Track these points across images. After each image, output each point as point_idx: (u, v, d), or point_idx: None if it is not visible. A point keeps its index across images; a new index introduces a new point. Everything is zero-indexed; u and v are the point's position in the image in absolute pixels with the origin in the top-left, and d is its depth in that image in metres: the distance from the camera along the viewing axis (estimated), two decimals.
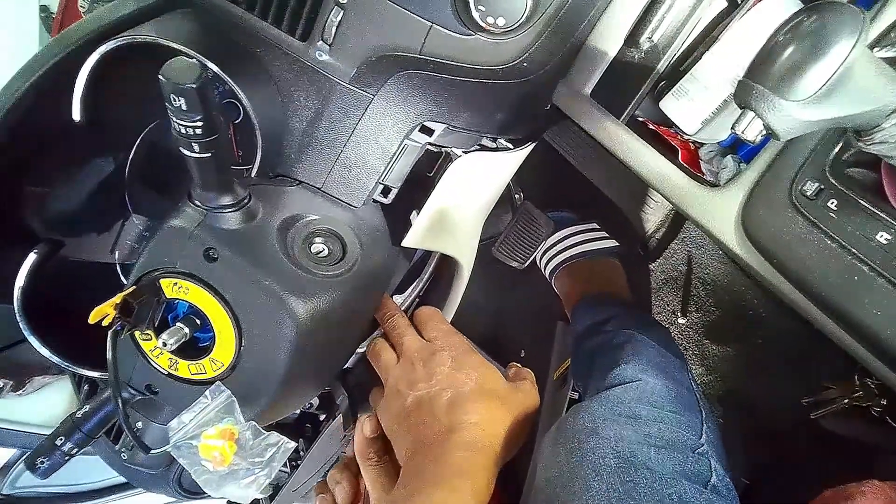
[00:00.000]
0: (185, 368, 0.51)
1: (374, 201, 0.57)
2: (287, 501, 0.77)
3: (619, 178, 0.95)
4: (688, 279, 1.01)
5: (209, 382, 0.50)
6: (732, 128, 0.37)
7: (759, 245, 0.48)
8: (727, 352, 1.00)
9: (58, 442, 0.51)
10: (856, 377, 0.79)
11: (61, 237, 0.59)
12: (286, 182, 0.55)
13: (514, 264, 0.87)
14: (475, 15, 0.45)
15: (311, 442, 0.69)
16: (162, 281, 0.49)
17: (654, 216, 0.99)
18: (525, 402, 0.57)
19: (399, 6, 0.46)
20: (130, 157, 0.60)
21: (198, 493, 0.72)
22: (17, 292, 0.56)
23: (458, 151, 0.58)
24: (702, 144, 0.55)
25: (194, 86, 0.38)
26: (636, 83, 0.53)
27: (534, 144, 0.65)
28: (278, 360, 0.48)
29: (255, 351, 0.49)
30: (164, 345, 0.47)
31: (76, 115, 0.52)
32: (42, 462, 0.51)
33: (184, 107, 0.39)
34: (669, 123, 0.53)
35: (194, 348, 0.51)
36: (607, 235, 1.04)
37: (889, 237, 0.41)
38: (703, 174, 0.54)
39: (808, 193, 0.44)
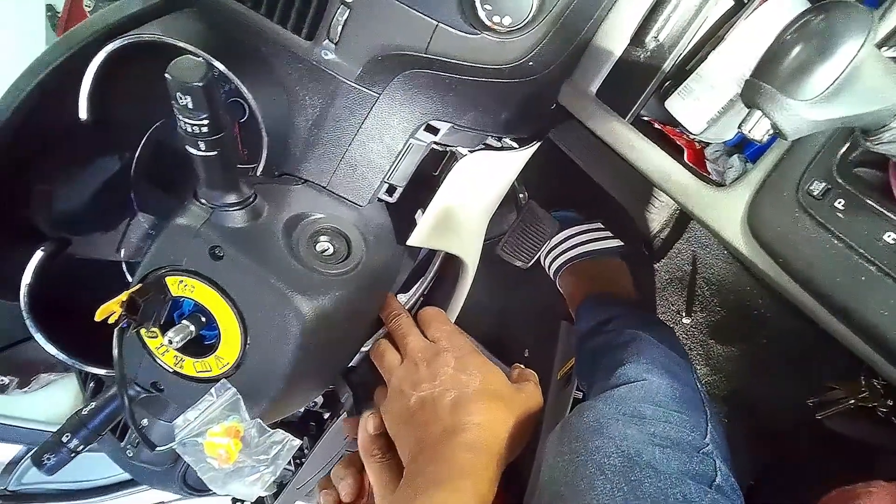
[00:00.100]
0: (191, 366, 0.51)
1: (379, 200, 0.57)
2: (291, 499, 0.77)
3: (624, 177, 0.94)
4: (692, 279, 1.01)
5: (214, 380, 0.51)
6: (739, 127, 0.37)
7: (765, 245, 0.48)
8: (732, 352, 1.00)
9: (64, 439, 0.52)
10: (862, 377, 0.79)
11: (67, 235, 0.59)
12: (291, 181, 0.55)
13: (519, 264, 0.87)
14: (481, 14, 0.45)
15: (315, 440, 0.69)
16: (168, 279, 0.49)
17: (658, 216, 0.99)
18: (528, 403, 0.57)
19: (405, 5, 0.46)
20: (136, 156, 0.61)
21: (203, 490, 0.73)
22: (23, 290, 0.56)
23: (464, 150, 0.58)
24: (707, 144, 0.55)
25: (200, 84, 0.38)
26: (642, 82, 0.53)
27: (539, 144, 0.65)
28: (283, 358, 0.48)
29: (260, 349, 0.49)
30: (170, 342, 0.48)
31: (83, 113, 0.52)
32: (48, 459, 0.51)
33: (190, 105, 0.39)
34: (675, 123, 0.53)
35: (200, 346, 0.51)
36: (612, 235, 1.03)
37: None
38: (709, 174, 0.53)
39: (815, 193, 0.44)
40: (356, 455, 0.62)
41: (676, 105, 0.51)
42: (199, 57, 0.48)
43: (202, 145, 0.41)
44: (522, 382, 0.59)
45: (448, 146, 0.58)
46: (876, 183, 0.44)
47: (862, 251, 0.42)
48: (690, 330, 1.03)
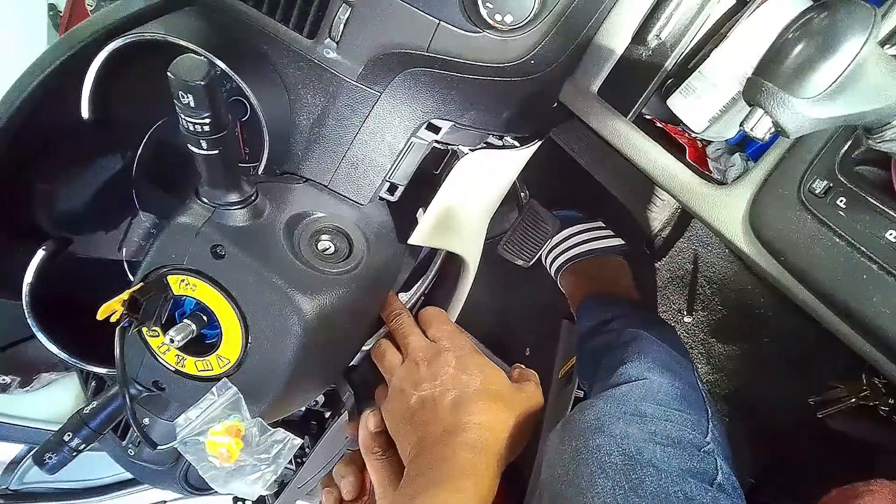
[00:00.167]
0: (192, 365, 0.51)
1: (381, 199, 0.57)
2: (292, 498, 0.77)
3: (625, 176, 0.94)
4: (694, 278, 1.01)
5: (216, 379, 0.51)
6: (741, 125, 0.37)
7: (766, 243, 0.48)
8: (733, 350, 1.00)
9: (65, 438, 0.52)
10: (863, 376, 0.78)
11: (69, 234, 0.59)
12: (293, 179, 0.55)
13: (520, 263, 0.87)
14: (483, 12, 0.45)
15: (316, 439, 0.69)
16: (169, 278, 0.49)
17: (660, 215, 0.99)
18: (529, 403, 0.57)
19: (407, 4, 0.46)
20: (138, 155, 0.61)
21: (204, 489, 0.73)
22: (25, 289, 0.56)
23: (465, 149, 0.58)
24: (709, 142, 0.55)
25: (202, 83, 0.38)
26: (644, 81, 0.53)
27: (540, 142, 0.64)
28: (284, 357, 0.48)
29: (261, 348, 0.49)
30: (172, 341, 0.48)
31: (85, 112, 0.52)
32: (50, 458, 0.51)
33: (192, 104, 0.39)
34: (677, 121, 0.53)
35: (201, 345, 0.51)
36: (613, 234, 1.03)
37: None
38: (711, 172, 0.53)
39: (817, 191, 0.44)
40: (357, 453, 0.62)
41: (678, 103, 0.51)
42: (200, 56, 0.48)
43: (204, 144, 0.41)
44: (523, 382, 0.59)
45: (449, 145, 0.58)
46: (878, 181, 0.44)
47: (864, 249, 0.42)
48: (692, 329, 1.03)
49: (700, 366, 1.03)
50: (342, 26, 0.48)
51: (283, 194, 0.52)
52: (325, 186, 0.55)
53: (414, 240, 0.56)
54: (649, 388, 0.60)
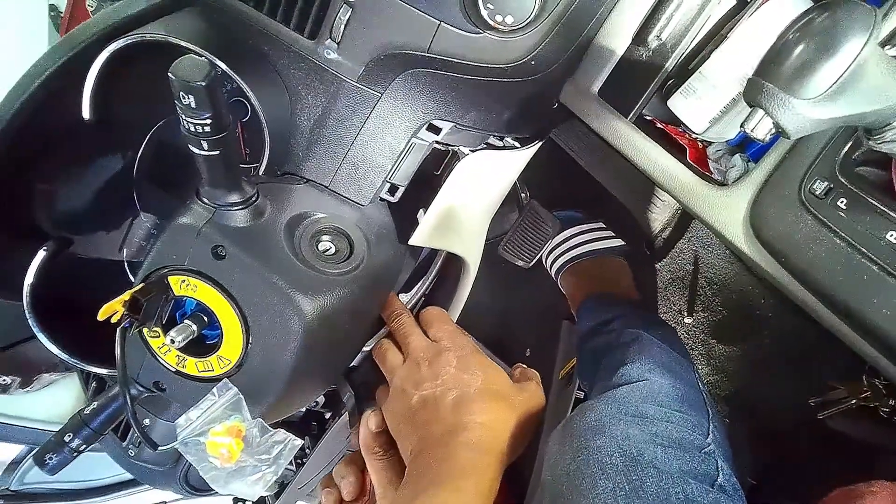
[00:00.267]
0: (193, 366, 0.51)
1: (382, 200, 0.57)
2: (293, 499, 0.77)
3: (626, 177, 0.94)
4: (694, 279, 1.01)
5: (216, 380, 0.51)
6: (742, 126, 0.37)
7: (767, 244, 0.48)
8: (733, 351, 1.00)
9: (66, 438, 0.52)
10: (864, 377, 0.78)
11: (70, 235, 0.59)
12: (293, 180, 0.55)
13: (520, 263, 0.87)
14: (483, 13, 0.45)
15: (316, 440, 0.69)
16: (170, 278, 0.49)
17: (660, 215, 0.99)
18: (530, 403, 0.57)
19: (407, 4, 0.46)
20: (139, 156, 0.61)
21: (205, 489, 0.73)
22: (26, 289, 0.56)
23: (466, 150, 0.58)
24: (710, 143, 0.55)
25: (203, 84, 0.38)
26: (644, 82, 0.53)
27: (541, 143, 0.64)
28: (285, 358, 0.48)
29: (262, 348, 0.49)
30: (172, 342, 0.48)
31: (86, 113, 0.52)
32: (50, 458, 0.51)
33: (193, 104, 0.39)
34: (677, 122, 0.53)
35: (202, 346, 0.51)
36: (613, 234, 1.03)
37: None
38: (711, 173, 0.53)
39: (818, 192, 0.44)
40: (358, 454, 0.62)
41: (679, 104, 0.51)
42: (201, 56, 0.48)
43: (205, 144, 0.41)
44: (525, 382, 0.59)
45: (450, 145, 0.58)
46: (878, 182, 0.44)
47: (864, 250, 0.42)
48: (692, 329, 1.03)
49: (700, 367, 1.03)
50: (343, 27, 0.48)
51: (283, 195, 0.52)
52: (326, 187, 0.55)
53: (415, 240, 0.56)
54: (650, 389, 0.60)
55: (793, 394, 0.88)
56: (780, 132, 0.36)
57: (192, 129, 0.40)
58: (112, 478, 0.98)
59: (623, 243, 1.03)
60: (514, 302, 1.20)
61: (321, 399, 0.73)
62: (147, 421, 0.62)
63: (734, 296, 0.97)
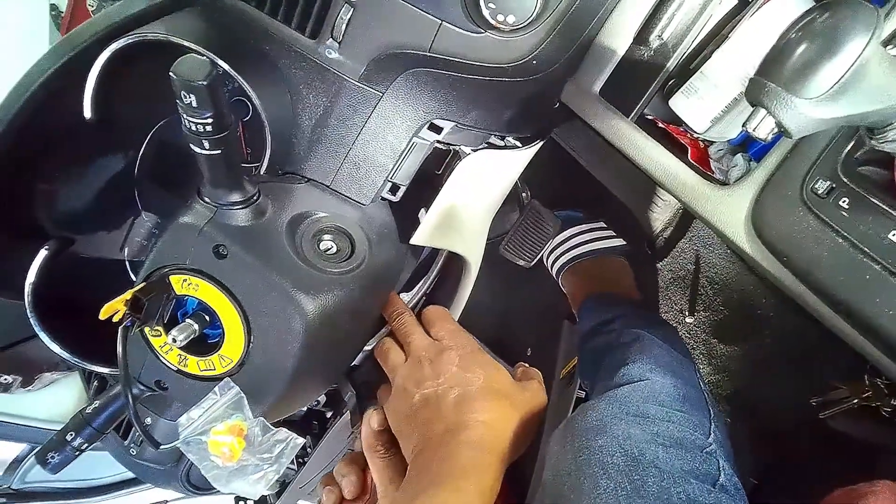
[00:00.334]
0: (195, 365, 0.51)
1: (383, 199, 0.57)
2: (294, 498, 0.77)
3: (627, 176, 0.94)
4: (695, 278, 1.01)
5: (218, 379, 0.51)
6: (744, 125, 0.37)
7: (769, 243, 0.48)
8: (735, 351, 1.00)
9: (68, 437, 0.52)
10: (865, 377, 0.78)
11: (72, 234, 0.59)
12: (295, 179, 0.55)
13: (521, 263, 0.87)
14: (485, 13, 0.45)
15: (318, 439, 0.69)
16: (172, 277, 0.49)
17: (661, 215, 0.99)
18: (532, 402, 0.57)
19: (409, 4, 0.46)
20: (140, 155, 0.61)
21: (206, 488, 0.73)
22: (27, 288, 0.56)
23: (467, 149, 0.58)
24: (711, 143, 0.55)
25: (205, 83, 0.38)
26: (645, 81, 0.53)
27: (542, 143, 0.64)
28: (287, 357, 0.48)
29: (263, 347, 0.49)
30: (174, 341, 0.48)
31: (87, 112, 0.52)
32: (52, 457, 0.51)
33: (194, 104, 0.39)
34: (679, 122, 0.53)
35: (204, 345, 0.51)
36: (614, 234, 1.03)
37: None
38: (713, 172, 0.53)
39: (820, 192, 0.44)
40: (359, 453, 0.62)
41: (680, 104, 0.51)
42: (203, 56, 0.48)
43: (206, 144, 0.42)
44: (526, 381, 0.59)
45: (451, 145, 0.58)
46: (881, 181, 0.44)
47: (866, 250, 0.42)
48: (693, 329, 1.03)
49: (702, 366, 1.03)
50: (344, 26, 0.48)
51: (285, 194, 0.52)
52: (328, 186, 0.55)
53: (416, 240, 0.56)
54: (651, 388, 0.60)
55: (794, 393, 0.88)
56: (782, 132, 0.36)
57: (194, 128, 0.40)
58: (114, 476, 0.98)
59: (624, 243, 1.03)
60: (514, 301, 1.20)
61: (322, 398, 0.73)
62: (149, 420, 0.62)
63: (735, 295, 0.97)
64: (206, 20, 0.52)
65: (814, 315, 0.49)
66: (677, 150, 0.54)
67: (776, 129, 0.36)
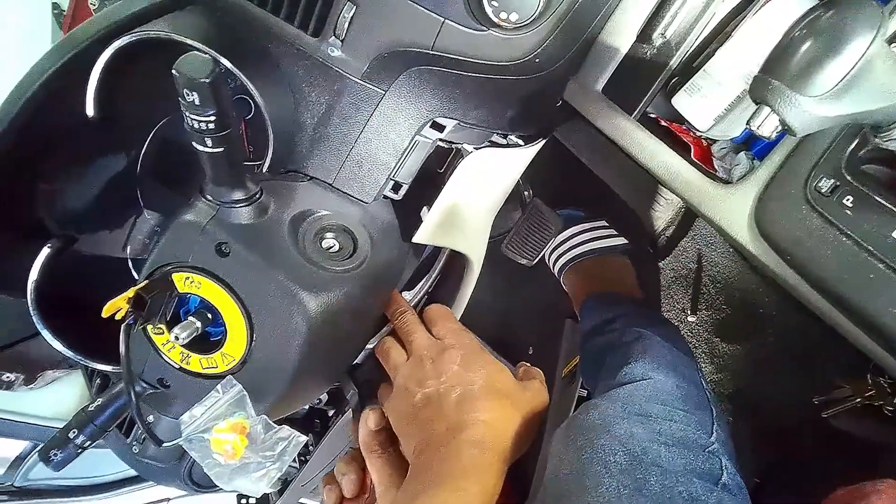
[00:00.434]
0: (197, 362, 0.51)
1: (385, 197, 0.57)
2: (296, 496, 0.77)
3: (629, 175, 0.94)
4: (698, 277, 1.01)
5: (221, 376, 0.51)
6: (748, 123, 0.37)
7: (772, 242, 0.47)
8: (737, 350, 1.00)
9: (71, 434, 0.52)
10: (868, 376, 0.78)
11: (74, 233, 0.59)
12: (297, 178, 0.55)
13: (523, 262, 0.87)
14: (488, 10, 0.45)
15: (319, 437, 0.69)
16: (174, 275, 0.49)
17: (664, 214, 0.99)
18: (534, 402, 0.56)
19: (412, 2, 0.46)
20: (142, 153, 0.61)
21: (208, 486, 0.73)
22: (30, 286, 0.56)
23: (469, 148, 0.58)
24: (714, 141, 0.55)
25: (207, 80, 0.38)
26: (648, 79, 0.53)
27: (544, 141, 0.64)
28: (289, 355, 0.48)
29: (266, 345, 0.49)
30: (177, 339, 0.48)
31: (90, 110, 0.52)
32: (55, 454, 0.51)
33: (197, 101, 0.39)
34: (682, 120, 0.53)
35: (206, 343, 0.51)
36: (616, 233, 1.03)
37: None
38: (716, 171, 0.53)
39: (824, 190, 0.44)
40: (359, 451, 0.63)
41: (683, 102, 0.51)
42: (205, 54, 0.48)
43: (209, 142, 0.42)
44: (528, 381, 0.59)
45: (454, 143, 0.57)
46: (885, 180, 0.43)
47: (870, 248, 0.42)
48: (695, 328, 1.03)
49: (704, 365, 1.03)
50: (347, 24, 0.48)
51: (287, 192, 0.52)
52: (330, 185, 0.55)
53: (418, 238, 0.56)
54: (653, 387, 0.60)
55: (796, 392, 0.88)
56: (786, 129, 0.36)
57: (196, 126, 0.40)
58: (116, 474, 0.98)
59: (626, 242, 1.03)
60: (516, 300, 1.20)
61: (324, 397, 0.73)
62: (151, 417, 0.62)
63: (738, 294, 0.97)
64: (208, 18, 0.52)
65: (817, 314, 0.49)
66: (680, 148, 0.54)
67: (780, 127, 0.36)
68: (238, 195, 0.47)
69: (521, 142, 0.62)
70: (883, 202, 0.42)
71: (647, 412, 0.56)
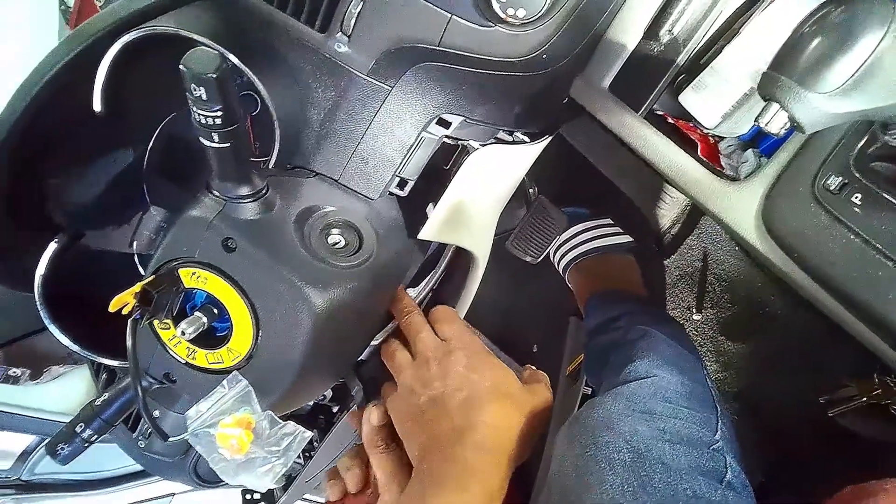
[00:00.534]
0: (203, 358, 0.52)
1: (391, 194, 0.57)
2: (300, 492, 0.77)
3: (634, 173, 0.94)
4: (703, 275, 1.00)
5: (226, 372, 0.51)
6: (756, 120, 0.37)
7: (780, 240, 0.47)
8: (742, 348, 0.99)
9: (77, 429, 0.52)
10: (875, 375, 0.78)
11: (81, 228, 0.59)
12: (303, 173, 0.55)
13: (528, 259, 0.87)
14: (495, 6, 0.44)
15: (324, 433, 0.70)
16: (181, 271, 0.50)
17: (669, 212, 0.99)
18: (538, 405, 0.56)
19: None
20: (149, 149, 0.61)
21: (214, 481, 0.73)
22: (37, 280, 0.56)
23: (475, 144, 0.58)
24: (721, 138, 0.54)
25: (214, 75, 0.38)
26: (655, 76, 0.52)
27: (550, 138, 0.64)
28: (295, 350, 0.49)
29: (271, 341, 0.49)
30: (183, 334, 0.48)
31: (97, 106, 0.52)
32: (62, 448, 0.52)
33: (204, 96, 0.39)
34: (689, 117, 0.53)
35: (212, 338, 0.51)
36: (621, 231, 1.03)
37: None
38: (723, 168, 0.53)
39: (832, 188, 0.44)
40: (363, 446, 0.63)
41: (690, 99, 0.51)
42: (212, 49, 0.48)
43: (215, 137, 0.42)
44: (533, 383, 0.59)
45: (460, 140, 0.57)
46: (894, 177, 0.43)
47: (879, 246, 0.42)
48: (700, 326, 1.03)
49: (709, 363, 1.02)
50: (354, 20, 0.48)
51: (293, 188, 0.52)
52: (336, 181, 0.55)
53: (424, 235, 0.56)
54: (658, 385, 0.60)
55: (802, 391, 0.88)
56: (794, 126, 0.36)
57: (203, 121, 0.41)
58: (122, 469, 0.98)
59: (631, 240, 1.02)
60: (521, 298, 1.20)
61: (329, 392, 0.73)
62: (157, 412, 0.63)
63: (743, 292, 0.97)
64: (215, 14, 0.52)
65: (824, 312, 0.49)
66: (687, 145, 0.53)
67: (789, 124, 0.36)
68: (244, 191, 0.47)
69: (526, 139, 0.62)
70: (892, 200, 0.41)
71: (651, 410, 0.56)
